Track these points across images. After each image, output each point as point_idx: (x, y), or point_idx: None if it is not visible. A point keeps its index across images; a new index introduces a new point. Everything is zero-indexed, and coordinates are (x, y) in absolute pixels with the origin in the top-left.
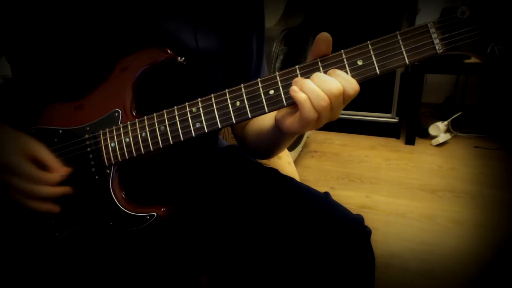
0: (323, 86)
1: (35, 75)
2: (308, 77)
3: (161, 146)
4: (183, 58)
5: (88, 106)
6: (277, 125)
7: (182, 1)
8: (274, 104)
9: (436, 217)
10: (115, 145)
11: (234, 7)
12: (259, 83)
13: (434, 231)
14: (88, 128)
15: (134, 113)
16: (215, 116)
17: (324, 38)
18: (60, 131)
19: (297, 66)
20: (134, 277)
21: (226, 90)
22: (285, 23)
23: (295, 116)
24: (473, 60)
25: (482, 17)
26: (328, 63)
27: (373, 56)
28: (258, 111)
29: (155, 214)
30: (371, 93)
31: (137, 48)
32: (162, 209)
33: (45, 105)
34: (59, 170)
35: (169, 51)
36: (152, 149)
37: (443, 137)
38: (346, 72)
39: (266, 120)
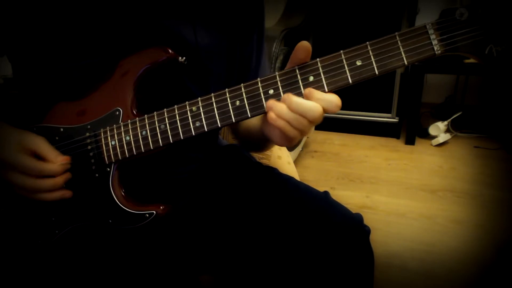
0: (305, 114)
1: (36, 74)
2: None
3: (161, 145)
4: (184, 58)
5: (89, 105)
6: (266, 136)
7: (183, 0)
8: None
9: (436, 217)
10: (115, 144)
11: (236, 6)
12: (259, 83)
13: (434, 231)
14: (89, 127)
15: (134, 112)
16: (215, 115)
17: (303, 47)
18: (61, 129)
19: (296, 67)
20: (134, 275)
21: (226, 89)
22: (285, 23)
23: (282, 135)
24: (473, 60)
25: (480, 19)
26: (327, 63)
27: (372, 57)
28: (258, 110)
29: (154, 212)
30: (371, 93)
31: (138, 47)
32: (161, 207)
33: (51, 103)
34: (58, 160)
35: (170, 51)
36: (152, 148)
37: (443, 137)
38: (345, 72)
39: (254, 120)
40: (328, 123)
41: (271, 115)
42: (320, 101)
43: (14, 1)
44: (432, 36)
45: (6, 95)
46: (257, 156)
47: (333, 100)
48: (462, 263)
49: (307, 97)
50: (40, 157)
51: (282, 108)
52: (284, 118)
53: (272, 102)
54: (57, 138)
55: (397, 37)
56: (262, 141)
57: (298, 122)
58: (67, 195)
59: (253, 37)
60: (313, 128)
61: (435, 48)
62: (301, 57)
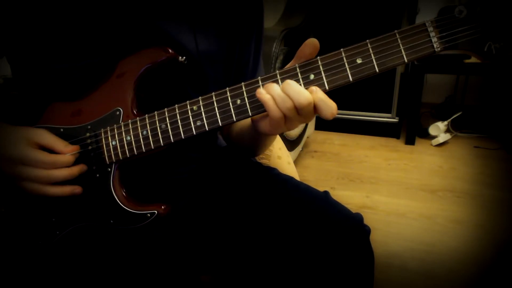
0: (293, 95)
1: (36, 75)
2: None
3: (162, 144)
4: (184, 57)
5: (90, 105)
6: (254, 125)
7: (182, 3)
8: None
9: (436, 217)
10: (116, 144)
11: (234, 11)
12: (260, 82)
13: (434, 231)
14: (89, 127)
15: (135, 112)
16: (216, 114)
17: (311, 43)
18: (61, 130)
19: (297, 65)
20: (135, 275)
21: (227, 88)
22: (285, 23)
23: (267, 117)
24: (473, 60)
25: (479, 17)
26: (328, 61)
27: (372, 55)
28: (258, 109)
29: (156, 212)
30: (371, 93)
31: (136, 49)
32: (162, 207)
33: (47, 104)
34: (67, 150)
35: (170, 50)
36: (153, 147)
37: (443, 137)
38: (346, 70)
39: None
40: (328, 123)
41: (260, 89)
42: (318, 99)
43: (14, 2)
44: (432, 34)
45: (6, 96)
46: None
47: (331, 104)
48: (462, 263)
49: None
50: (48, 150)
51: (274, 86)
52: (271, 93)
53: (269, 82)
54: None
55: (397, 35)
56: (255, 140)
57: (283, 102)
58: (78, 191)
59: (251, 41)
60: (313, 128)
61: (435, 46)
62: (307, 52)
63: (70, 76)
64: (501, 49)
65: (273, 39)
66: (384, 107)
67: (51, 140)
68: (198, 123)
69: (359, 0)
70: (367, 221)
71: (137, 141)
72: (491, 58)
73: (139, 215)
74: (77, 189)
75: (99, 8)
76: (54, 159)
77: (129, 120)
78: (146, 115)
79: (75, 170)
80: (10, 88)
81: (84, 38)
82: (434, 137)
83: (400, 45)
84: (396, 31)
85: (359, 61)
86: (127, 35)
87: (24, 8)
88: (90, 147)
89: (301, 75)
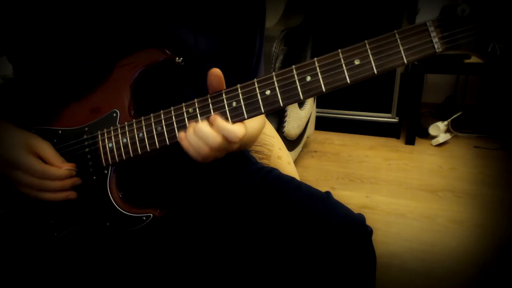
0: (204, 140)
1: (35, 75)
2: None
3: (157, 147)
4: (181, 58)
5: (87, 106)
6: None
7: (184, 3)
8: (271, 104)
9: (436, 217)
10: (112, 146)
11: (237, 11)
12: (256, 84)
13: (434, 231)
14: (86, 129)
15: (132, 114)
16: None
17: (214, 74)
18: (60, 132)
19: (293, 66)
20: (132, 278)
21: (223, 90)
22: (285, 23)
23: None
24: (473, 60)
25: (483, 16)
26: (325, 63)
27: (370, 56)
28: (255, 111)
29: (151, 215)
30: (371, 93)
31: (136, 49)
32: (158, 210)
33: (46, 105)
34: (62, 166)
35: (167, 51)
36: (148, 150)
37: (443, 137)
38: (343, 71)
39: None
40: (328, 123)
41: (181, 134)
42: (222, 130)
43: (14, 2)
44: (433, 34)
45: (7, 97)
46: (257, 156)
47: (234, 131)
48: (462, 263)
49: (211, 123)
50: (44, 161)
51: (189, 131)
52: (188, 139)
53: (190, 123)
54: (55, 140)
55: (397, 35)
56: None
57: (198, 146)
58: (72, 196)
59: (255, 41)
60: (313, 128)
61: (436, 46)
62: (214, 84)
63: (71, 77)
64: (506, 49)
65: (273, 39)
66: (384, 107)
67: (50, 154)
68: None
69: (359, 0)
70: (367, 221)
71: (133, 144)
72: (495, 59)
73: (134, 218)
74: (71, 194)
75: (102, 9)
76: (46, 169)
77: (126, 123)
78: (142, 117)
79: (67, 183)
80: (11, 88)
81: (86, 39)
82: (434, 137)
83: (400, 45)
84: (395, 31)
85: (357, 62)
86: (129, 36)
87: (26, 8)
88: (87, 149)
89: (297, 77)
